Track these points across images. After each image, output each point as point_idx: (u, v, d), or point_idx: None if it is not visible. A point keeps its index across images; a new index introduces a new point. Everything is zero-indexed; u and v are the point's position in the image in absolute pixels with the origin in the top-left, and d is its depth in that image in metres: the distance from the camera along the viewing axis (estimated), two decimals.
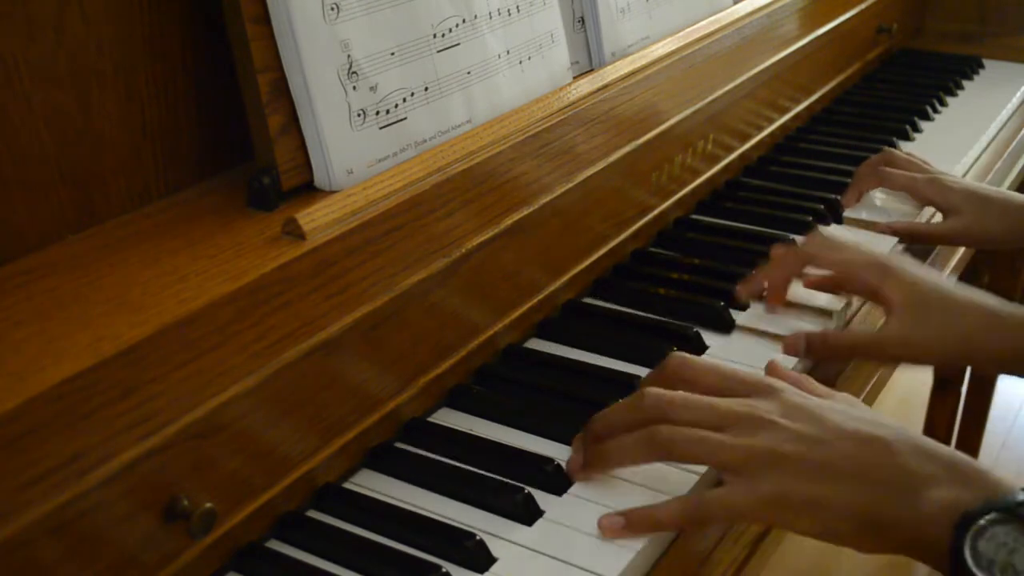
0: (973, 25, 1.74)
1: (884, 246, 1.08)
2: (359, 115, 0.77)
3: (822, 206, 1.15)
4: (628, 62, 1.03)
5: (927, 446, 0.67)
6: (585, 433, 0.76)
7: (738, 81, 1.19)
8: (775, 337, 0.92)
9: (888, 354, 0.88)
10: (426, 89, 0.83)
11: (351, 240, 0.72)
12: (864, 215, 1.16)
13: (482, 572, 0.67)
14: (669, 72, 1.05)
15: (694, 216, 1.16)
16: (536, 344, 0.93)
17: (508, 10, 0.90)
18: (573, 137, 0.92)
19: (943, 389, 2.00)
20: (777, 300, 0.96)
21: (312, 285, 0.70)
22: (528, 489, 0.73)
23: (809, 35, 1.36)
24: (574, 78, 0.99)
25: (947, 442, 1.96)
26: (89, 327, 0.60)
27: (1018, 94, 1.52)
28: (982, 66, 1.64)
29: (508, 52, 0.91)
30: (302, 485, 0.72)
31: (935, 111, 1.47)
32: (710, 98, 1.13)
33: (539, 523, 0.71)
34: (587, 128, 0.94)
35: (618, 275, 1.04)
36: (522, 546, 0.69)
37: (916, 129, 1.41)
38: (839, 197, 1.18)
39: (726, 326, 0.94)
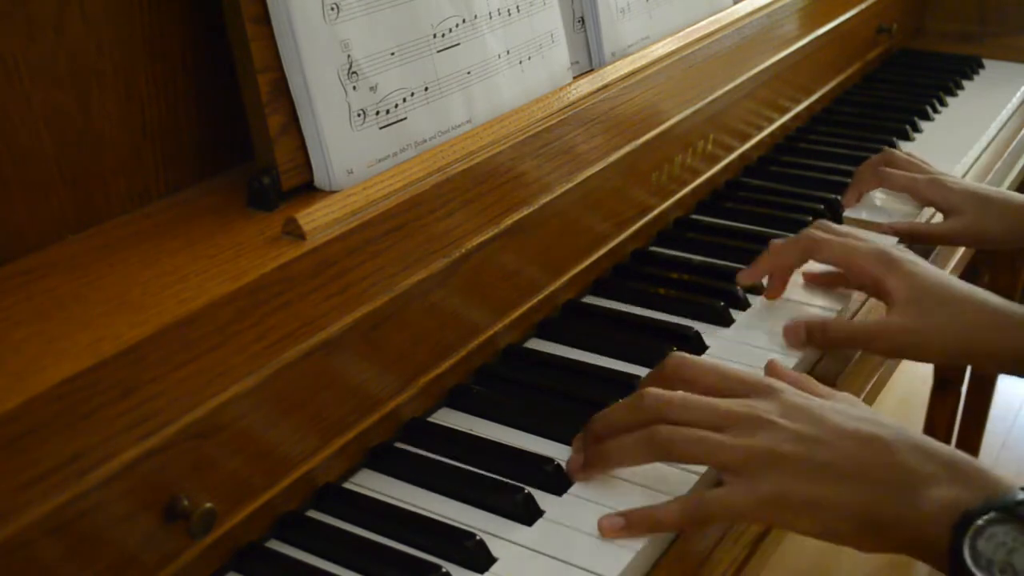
0: (973, 25, 1.74)
1: (887, 244, 1.08)
2: (359, 115, 0.77)
3: (822, 206, 1.15)
4: (628, 62, 1.03)
5: (927, 445, 0.67)
6: (585, 433, 0.76)
7: (738, 81, 1.19)
8: (776, 336, 0.92)
9: (887, 346, 0.87)
10: (426, 89, 0.83)
11: (351, 240, 0.72)
12: (864, 215, 1.16)
13: (482, 572, 0.67)
14: (669, 72, 1.05)
15: (694, 216, 1.16)
16: (536, 344, 0.93)
17: (508, 10, 0.90)
18: (573, 137, 0.92)
19: (943, 389, 2.00)
20: (776, 293, 0.96)
21: (312, 285, 0.70)
22: (528, 489, 0.73)
23: (809, 35, 1.36)
24: (574, 78, 0.99)
25: (947, 442, 1.95)
26: (89, 327, 0.60)
27: (1018, 94, 1.52)
28: (982, 66, 1.65)
29: (508, 52, 0.91)
30: (302, 485, 0.72)
31: (935, 111, 1.47)
32: (710, 98, 1.13)
33: (539, 523, 0.71)
34: (587, 128, 0.94)
35: (618, 275, 1.04)
36: (522, 546, 0.69)
37: (916, 129, 1.41)
38: (839, 197, 1.18)
39: (726, 326, 0.94)
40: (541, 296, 0.94)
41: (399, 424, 0.80)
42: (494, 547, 0.69)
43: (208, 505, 0.64)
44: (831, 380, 0.90)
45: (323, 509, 0.73)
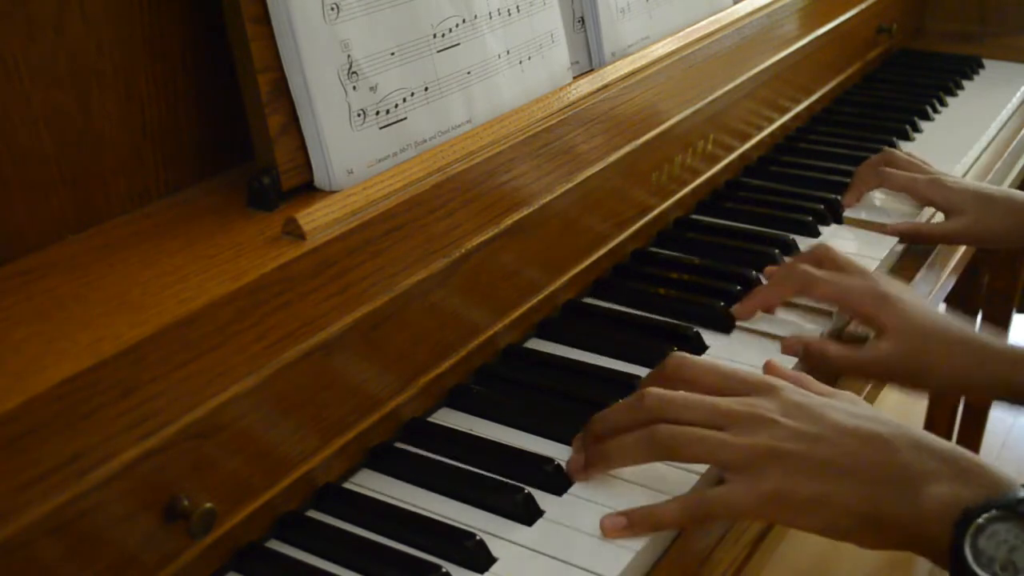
0: (973, 25, 1.74)
1: (883, 247, 1.08)
2: (359, 115, 0.77)
3: (822, 206, 1.15)
4: (628, 62, 1.03)
5: (927, 441, 0.67)
6: (585, 433, 0.76)
7: (738, 81, 1.19)
8: (775, 337, 0.92)
9: (881, 377, 0.89)
10: (426, 89, 0.83)
11: (351, 240, 0.72)
12: (864, 215, 1.16)
13: (482, 572, 0.67)
14: (669, 72, 1.05)
15: (694, 216, 1.16)
16: (536, 344, 0.93)
17: (508, 10, 0.90)
18: (573, 137, 0.92)
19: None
20: (771, 310, 0.96)
21: (312, 285, 0.70)
22: (528, 489, 0.73)
23: (809, 35, 1.36)
24: (574, 78, 0.99)
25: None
26: (89, 327, 0.60)
27: (1018, 94, 1.52)
28: (982, 66, 1.64)
29: (508, 52, 0.91)
30: (302, 485, 0.72)
31: (935, 111, 1.47)
32: (710, 98, 1.13)
33: (539, 523, 0.71)
34: (587, 128, 0.94)
35: (618, 275, 1.04)
36: (522, 546, 0.69)
37: (916, 129, 1.41)
38: (839, 197, 1.17)
39: (726, 326, 0.94)
40: (541, 296, 0.94)
41: (399, 424, 0.80)
42: (494, 547, 0.69)
43: (208, 505, 0.64)
44: (831, 379, 0.90)
45: (323, 509, 0.73)
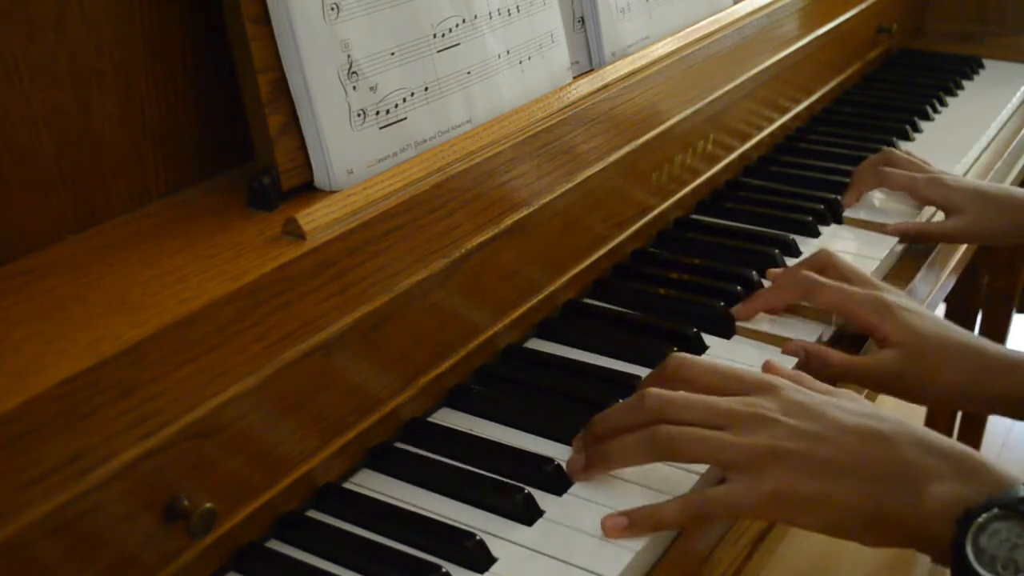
0: (973, 25, 1.74)
1: (883, 247, 1.08)
2: (359, 115, 0.77)
3: (822, 206, 1.15)
4: (628, 62, 1.03)
5: (929, 439, 0.67)
6: (585, 433, 0.76)
7: (738, 81, 1.19)
8: (775, 338, 0.92)
9: (880, 387, 0.89)
10: (426, 89, 0.83)
11: (351, 240, 0.72)
12: (863, 215, 1.16)
13: (482, 572, 0.67)
14: (669, 72, 1.05)
15: (694, 216, 1.16)
16: (536, 344, 0.93)
17: (508, 10, 0.90)
18: (573, 137, 0.92)
19: None
20: (774, 312, 0.96)
21: (312, 285, 0.70)
22: (528, 489, 0.73)
23: (809, 35, 1.36)
24: (574, 78, 0.99)
25: None
26: (89, 327, 0.60)
27: (1018, 94, 1.52)
28: (982, 66, 1.64)
29: (508, 52, 0.91)
30: (302, 485, 0.72)
31: (935, 111, 1.47)
32: (710, 98, 1.13)
33: (539, 523, 0.71)
34: (587, 128, 0.94)
35: (618, 275, 1.04)
36: (522, 546, 0.69)
37: (916, 129, 1.41)
38: (839, 197, 1.17)
39: (726, 326, 0.94)
40: (541, 296, 0.94)
41: (399, 424, 0.80)
42: (494, 547, 0.69)
43: (208, 505, 0.64)
44: (830, 382, 0.90)
45: (323, 509, 0.73)
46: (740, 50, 1.19)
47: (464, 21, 0.86)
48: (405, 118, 0.81)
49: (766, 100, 1.30)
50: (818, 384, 0.75)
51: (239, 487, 0.68)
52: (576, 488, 0.74)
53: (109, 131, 0.72)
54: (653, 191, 1.08)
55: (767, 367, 0.81)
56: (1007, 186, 1.24)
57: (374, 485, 0.76)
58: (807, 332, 0.93)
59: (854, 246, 1.10)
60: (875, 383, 0.88)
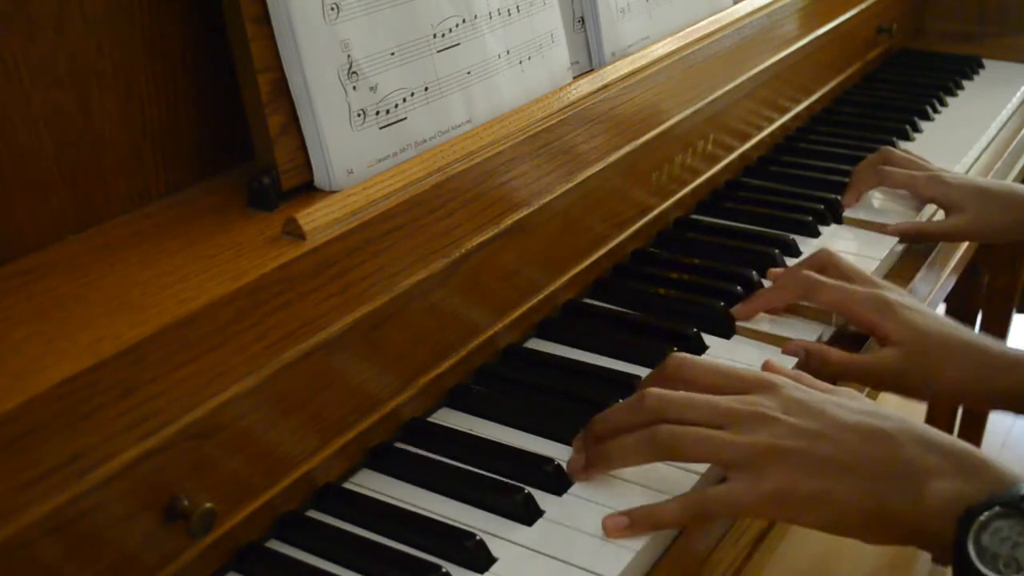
0: (973, 25, 1.74)
1: (883, 247, 1.08)
2: (359, 115, 0.77)
3: (822, 206, 1.15)
4: (628, 62, 1.03)
5: (930, 436, 0.67)
6: (585, 433, 0.76)
7: (738, 81, 1.19)
8: (775, 338, 0.92)
9: (881, 383, 0.89)
10: (426, 89, 0.83)
11: (351, 240, 0.72)
12: (863, 215, 1.15)
13: (482, 572, 0.67)
14: (669, 72, 1.05)
15: (694, 216, 1.16)
16: (536, 344, 0.93)
17: (508, 10, 0.90)
18: (573, 137, 0.92)
19: None
20: (775, 312, 0.96)
21: (312, 285, 0.70)
22: (528, 489, 0.73)
23: (809, 35, 1.36)
24: (574, 78, 0.99)
25: None
26: (89, 327, 0.60)
27: (1018, 94, 1.52)
28: (982, 66, 1.64)
29: (508, 52, 0.91)
30: (302, 485, 0.72)
31: (935, 111, 1.47)
32: (710, 98, 1.13)
33: (539, 523, 0.71)
34: (587, 128, 0.94)
35: (618, 275, 1.04)
36: (522, 546, 0.69)
37: (916, 129, 1.41)
38: (839, 197, 1.17)
39: (726, 326, 0.94)
40: (541, 296, 0.94)
41: (399, 424, 0.80)
42: (494, 547, 0.69)
43: (208, 505, 0.64)
44: (830, 382, 0.90)
45: (323, 509, 0.73)
46: (740, 50, 1.19)
47: (464, 21, 0.86)
48: (405, 118, 0.81)
49: (766, 100, 1.30)
50: (818, 383, 0.75)
51: (239, 487, 0.68)
52: (576, 488, 0.74)
53: (109, 131, 0.72)
54: (653, 191, 1.08)
55: (767, 367, 0.81)
56: (1007, 182, 1.24)
57: (374, 485, 0.76)
58: (807, 332, 0.93)
59: (854, 246, 1.10)
60: (876, 381, 0.88)
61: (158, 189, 0.76)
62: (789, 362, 0.88)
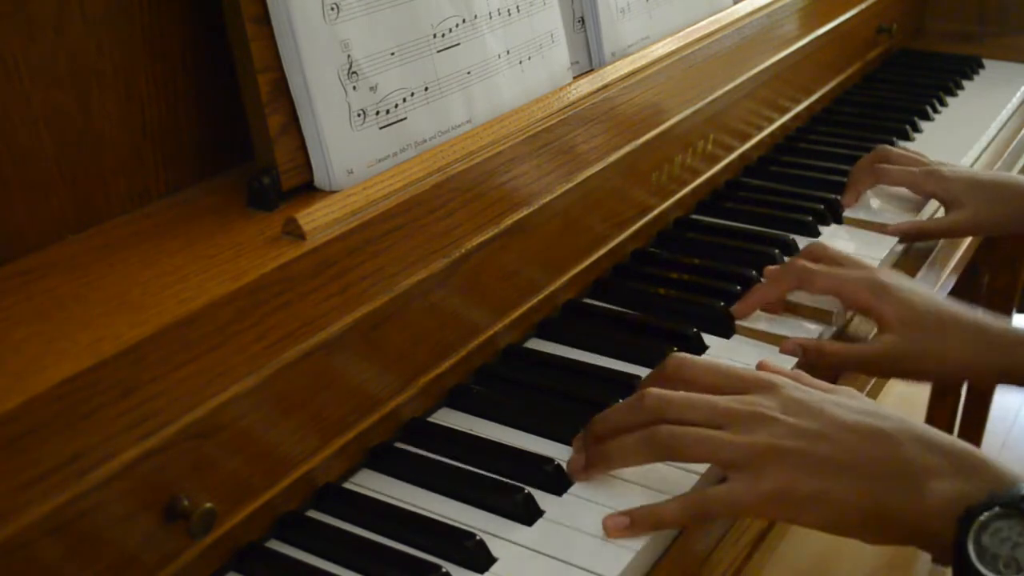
0: (973, 25, 1.74)
1: (883, 247, 1.08)
2: (359, 115, 0.77)
3: (822, 206, 1.15)
4: (628, 62, 1.03)
5: (929, 436, 0.67)
6: (585, 433, 0.76)
7: (738, 81, 1.19)
8: (775, 337, 0.92)
9: (881, 370, 0.89)
10: (426, 89, 0.83)
11: (351, 240, 0.72)
12: (863, 215, 1.15)
13: (482, 572, 0.67)
14: (669, 72, 1.05)
15: (694, 216, 1.16)
16: (536, 344, 0.93)
17: (508, 10, 0.90)
18: (573, 137, 0.92)
19: (943, 390, 2.00)
20: (774, 311, 0.96)
21: (312, 285, 0.70)
22: (528, 489, 0.73)
23: (809, 35, 1.36)
24: (574, 78, 0.99)
25: None
26: (89, 327, 0.60)
27: (1018, 94, 1.52)
28: (982, 66, 1.64)
29: (508, 52, 0.91)
30: (302, 485, 0.72)
31: (935, 111, 1.47)
32: (710, 98, 1.13)
33: (539, 523, 0.71)
34: (587, 128, 0.94)
35: (618, 275, 1.04)
36: (522, 546, 0.69)
37: (916, 129, 1.41)
38: (839, 197, 1.17)
39: (726, 326, 0.94)
40: (541, 296, 0.94)
41: (399, 424, 0.80)
42: (494, 547, 0.69)
43: (208, 505, 0.64)
44: (832, 379, 0.90)
45: (323, 509, 0.73)
46: (740, 50, 1.19)
47: (464, 21, 0.86)
48: (405, 118, 0.81)
49: (766, 100, 1.30)
50: (817, 382, 0.75)
51: (239, 487, 0.68)
52: (576, 488, 0.74)
53: (109, 131, 0.72)
54: (653, 191, 1.08)
55: (761, 367, 0.81)
56: (1006, 174, 1.24)
57: (374, 485, 0.76)
58: (808, 332, 0.93)
59: (854, 246, 1.10)
60: (877, 368, 0.88)
61: (158, 189, 0.76)
62: (787, 362, 0.88)
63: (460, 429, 0.81)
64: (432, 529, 0.71)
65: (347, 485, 0.76)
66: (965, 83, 1.58)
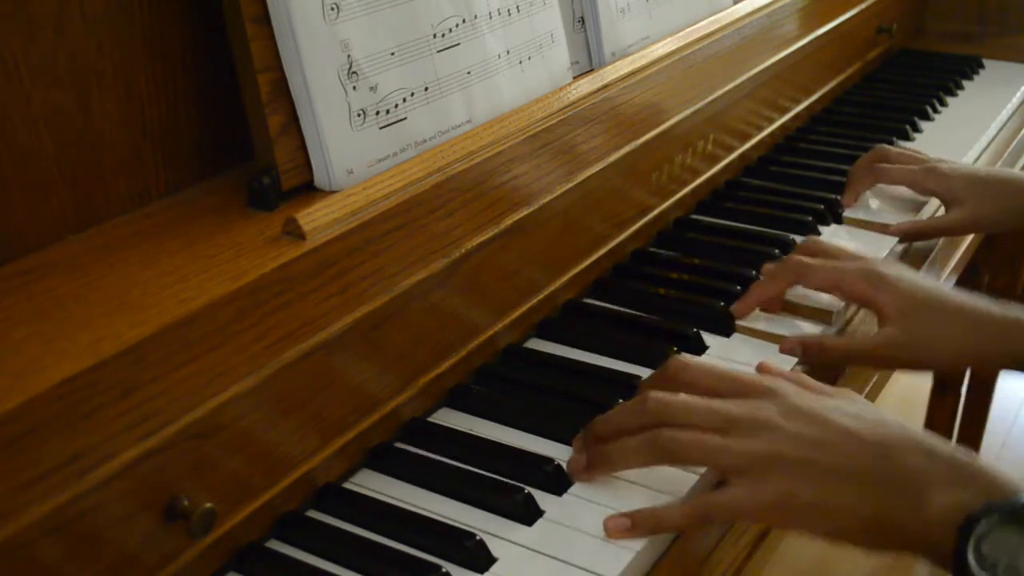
0: (973, 25, 1.74)
1: (883, 247, 1.08)
2: (359, 115, 0.77)
3: (822, 206, 1.15)
4: (628, 62, 1.03)
5: (931, 445, 0.67)
6: (586, 434, 0.76)
7: (738, 81, 1.19)
8: (775, 336, 0.92)
9: (883, 362, 0.88)
10: (426, 89, 0.83)
11: (351, 240, 0.72)
12: (863, 215, 1.15)
13: (482, 572, 0.67)
14: (669, 72, 1.05)
15: (694, 216, 1.16)
16: (536, 344, 0.93)
17: (508, 10, 0.90)
18: (573, 137, 0.92)
19: (943, 389, 2.00)
20: (773, 310, 0.96)
21: (312, 285, 0.70)
22: (528, 489, 0.73)
23: (809, 35, 1.36)
24: (574, 78, 0.99)
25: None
26: (89, 327, 0.60)
27: (1018, 94, 1.52)
28: (982, 66, 1.64)
29: (508, 52, 0.91)
30: (302, 485, 0.72)
31: (935, 111, 1.47)
32: (710, 98, 1.13)
33: (539, 523, 0.71)
34: (587, 128, 0.94)
35: (618, 275, 1.04)
36: (522, 546, 0.69)
37: (916, 129, 1.41)
38: (839, 197, 1.17)
39: (726, 326, 0.94)
40: (541, 296, 0.94)
41: (399, 424, 0.80)
42: (494, 547, 0.69)
43: (208, 505, 0.64)
44: (830, 382, 0.90)
45: (323, 509, 0.73)
46: (740, 50, 1.19)
47: (464, 21, 0.86)
48: (405, 118, 0.81)
49: (766, 100, 1.30)
50: (818, 385, 0.75)
51: (239, 487, 0.68)
52: (576, 488, 0.74)
53: (109, 131, 0.72)
54: (653, 191, 1.08)
55: (761, 369, 0.80)
56: (1005, 169, 1.24)
57: (374, 485, 0.76)
58: (808, 332, 0.93)
59: (854, 246, 1.09)
60: (879, 360, 0.88)
61: (158, 189, 0.76)
62: (787, 362, 0.88)
63: (460, 429, 0.81)
64: (432, 529, 0.71)
65: (347, 485, 0.76)
66: (965, 83, 1.58)
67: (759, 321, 0.95)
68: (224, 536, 0.67)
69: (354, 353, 0.74)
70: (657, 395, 0.72)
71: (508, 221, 0.86)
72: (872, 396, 0.94)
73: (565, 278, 0.97)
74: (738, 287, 0.99)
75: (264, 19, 0.72)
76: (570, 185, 0.93)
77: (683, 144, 1.11)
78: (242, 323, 0.65)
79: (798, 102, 1.40)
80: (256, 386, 0.66)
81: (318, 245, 0.70)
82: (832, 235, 1.13)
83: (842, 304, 0.95)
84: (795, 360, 0.89)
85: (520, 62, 0.92)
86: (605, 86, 0.98)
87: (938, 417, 1.99)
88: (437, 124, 0.84)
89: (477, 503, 0.73)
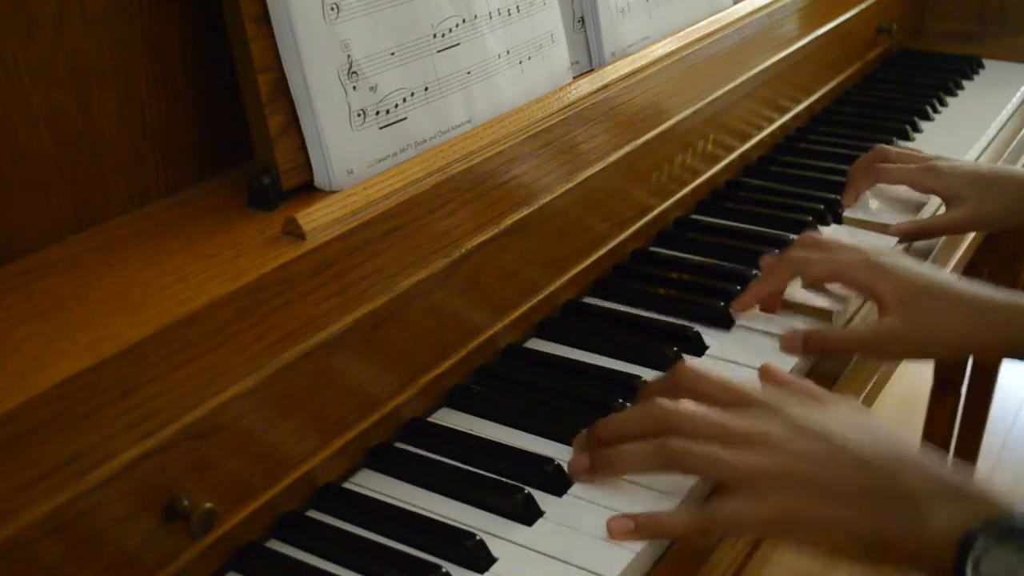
0: (973, 25, 1.74)
1: (883, 246, 1.08)
2: (359, 115, 0.77)
3: (822, 206, 1.15)
4: (628, 62, 1.03)
5: (930, 463, 0.67)
6: (589, 436, 0.76)
7: (738, 81, 1.19)
8: (775, 336, 0.92)
9: (885, 351, 0.88)
10: (426, 89, 0.83)
11: (351, 240, 0.72)
12: (863, 215, 1.16)
13: (482, 572, 0.67)
14: (669, 72, 1.05)
15: (694, 216, 1.16)
16: (536, 344, 0.93)
17: (508, 10, 0.90)
18: (573, 137, 0.92)
19: (943, 389, 2.00)
20: (773, 309, 0.96)
21: (312, 285, 0.70)
22: (528, 489, 0.73)
23: (809, 35, 1.36)
24: (574, 78, 0.99)
25: (947, 443, 1.95)
26: (89, 327, 0.60)
27: (1018, 94, 1.52)
28: (982, 66, 1.64)
29: (508, 52, 0.91)
30: (302, 485, 0.72)
31: (935, 111, 1.47)
32: (710, 98, 1.13)
33: (539, 523, 0.71)
34: (587, 128, 0.94)
35: (618, 275, 1.04)
36: (522, 546, 0.69)
37: (916, 129, 1.41)
38: (839, 197, 1.17)
39: (726, 325, 0.94)
40: (541, 296, 0.94)
41: (399, 424, 0.80)
42: (494, 547, 0.69)
43: (208, 505, 0.64)
44: (830, 382, 0.90)
45: (323, 509, 0.73)
46: (740, 50, 1.19)
47: (464, 21, 0.86)
48: (405, 118, 0.81)
49: (766, 100, 1.30)
50: (821, 394, 0.74)
51: (239, 487, 0.68)
52: (576, 488, 0.74)
53: (109, 131, 0.72)
54: (653, 191, 1.08)
55: (764, 370, 0.80)
56: (1005, 166, 1.24)
57: (374, 485, 0.76)
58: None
59: (852, 241, 1.09)
60: (881, 350, 0.87)
61: (158, 189, 0.76)
62: (788, 361, 0.88)
63: (460, 429, 0.81)
64: (432, 529, 0.71)
65: (347, 485, 0.76)
66: (965, 83, 1.58)
67: (759, 321, 0.95)
68: (224, 536, 0.67)
69: (354, 353, 0.74)
70: (664, 403, 0.72)
71: (508, 221, 0.86)
72: (872, 396, 0.94)
73: (565, 278, 0.97)
74: (738, 287, 0.98)
75: (264, 19, 0.72)
76: (570, 185, 0.93)
77: (683, 144, 1.11)
78: (242, 323, 0.65)
79: (798, 102, 1.40)
80: (256, 386, 0.66)
81: (318, 245, 0.70)
82: (832, 235, 1.12)
83: (842, 305, 0.95)
84: (795, 360, 0.88)
85: (520, 62, 0.92)
86: (605, 86, 0.98)
87: (938, 417, 1.99)
88: (437, 124, 0.84)
89: (477, 503, 0.73)
